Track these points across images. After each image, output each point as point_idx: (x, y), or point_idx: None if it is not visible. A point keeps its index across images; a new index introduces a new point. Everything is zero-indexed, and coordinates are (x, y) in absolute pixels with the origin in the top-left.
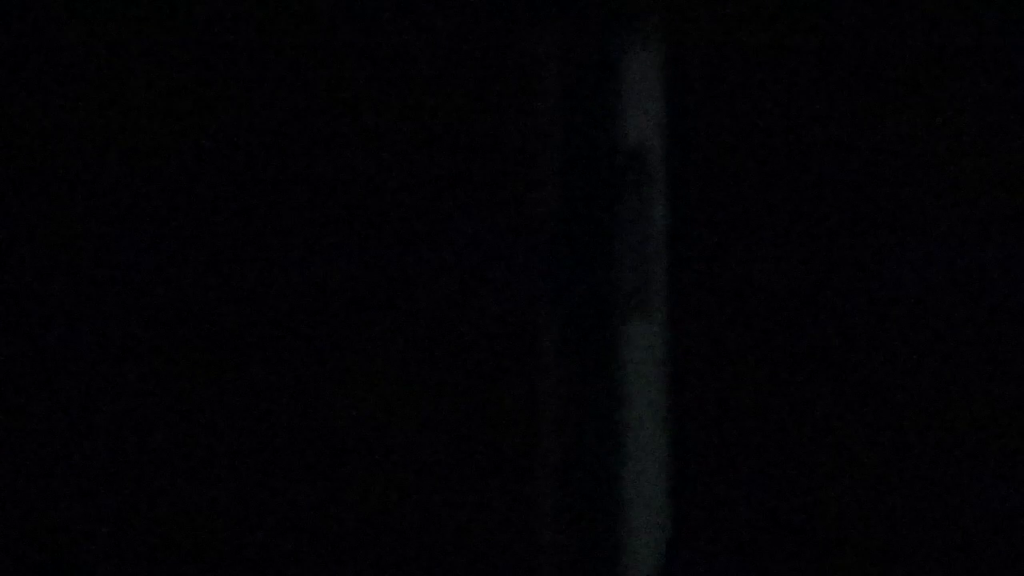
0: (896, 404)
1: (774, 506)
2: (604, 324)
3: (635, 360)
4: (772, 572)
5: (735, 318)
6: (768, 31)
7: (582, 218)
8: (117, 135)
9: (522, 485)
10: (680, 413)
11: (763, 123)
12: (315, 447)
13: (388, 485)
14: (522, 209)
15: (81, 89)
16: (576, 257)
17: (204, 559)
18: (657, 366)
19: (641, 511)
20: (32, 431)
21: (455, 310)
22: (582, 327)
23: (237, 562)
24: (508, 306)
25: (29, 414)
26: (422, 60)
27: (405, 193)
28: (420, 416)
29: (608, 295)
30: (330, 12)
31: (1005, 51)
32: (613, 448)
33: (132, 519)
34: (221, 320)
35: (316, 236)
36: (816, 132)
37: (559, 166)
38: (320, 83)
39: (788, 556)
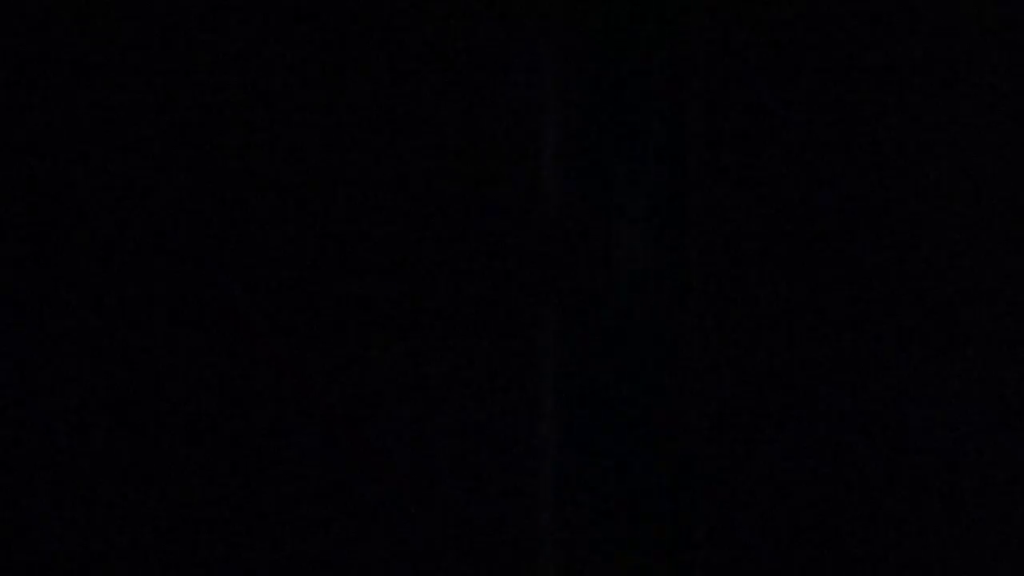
0: (897, 405)
1: (774, 506)
2: (604, 323)
3: (635, 360)
4: (773, 572)
5: (735, 318)
6: (768, 31)
7: (582, 217)
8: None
9: (521, 485)
10: (680, 413)
11: (764, 123)
12: (313, 445)
13: (386, 485)
14: (522, 209)
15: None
16: (576, 257)
17: (205, 559)
18: (657, 366)
19: (641, 511)
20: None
21: (455, 308)
22: (582, 325)
23: (237, 563)
24: (508, 304)
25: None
26: (422, 60)
27: (405, 192)
28: (419, 415)
29: (608, 293)
30: (329, 14)
31: (1006, 50)
32: (613, 449)
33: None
34: (219, 316)
35: (315, 236)
36: (818, 132)
37: (559, 166)
38: (321, 82)
39: (789, 556)
